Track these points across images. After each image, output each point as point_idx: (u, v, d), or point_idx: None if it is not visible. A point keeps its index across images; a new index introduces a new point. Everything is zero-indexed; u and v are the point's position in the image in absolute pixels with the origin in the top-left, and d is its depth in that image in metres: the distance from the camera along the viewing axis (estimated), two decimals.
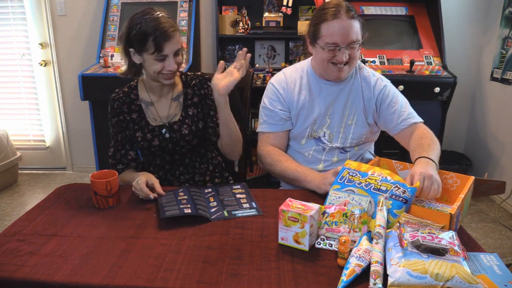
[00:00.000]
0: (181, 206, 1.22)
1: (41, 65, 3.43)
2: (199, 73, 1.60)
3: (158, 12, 1.38)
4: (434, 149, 1.36)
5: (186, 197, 1.30)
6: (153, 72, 1.41)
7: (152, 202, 1.31)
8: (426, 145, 1.38)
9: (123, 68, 1.53)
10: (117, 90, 1.55)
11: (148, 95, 1.53)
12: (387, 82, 1.58)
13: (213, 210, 1.26)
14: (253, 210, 1.26)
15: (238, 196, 1.35)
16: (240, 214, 1.24)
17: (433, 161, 1.28)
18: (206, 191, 1.38)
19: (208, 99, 1.56)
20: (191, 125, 1.52)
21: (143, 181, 1.32)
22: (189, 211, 1.20)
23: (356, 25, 1.41)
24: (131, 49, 1.41)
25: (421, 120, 1.52)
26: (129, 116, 1.52)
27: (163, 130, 1.51)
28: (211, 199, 1.33)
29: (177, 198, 1.28)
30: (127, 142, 1.54)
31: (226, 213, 1.24)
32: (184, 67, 2.78)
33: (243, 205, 1.29)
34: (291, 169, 1.48)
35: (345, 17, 1.39)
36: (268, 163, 1.55)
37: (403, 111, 1.52)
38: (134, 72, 1.50)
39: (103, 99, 2.83)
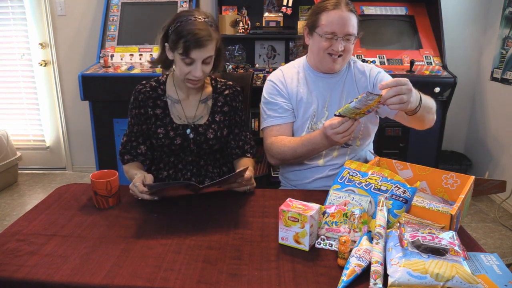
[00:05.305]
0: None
1: (41, 65, 3.43)
2: (230, 82, 1.61)
3: (200, 17, 1.39)
4: (424, 95, 1.41)
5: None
6: (180, 74, 1.43)
7: (153, 202, 1.30)
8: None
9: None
10: (143, 82, 1.54)
11: (176, 92, 1.53)
12: (380, 70, 1.62)
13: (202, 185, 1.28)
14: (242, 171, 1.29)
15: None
16: (228, 175, 1.26)
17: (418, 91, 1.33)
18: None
19: (237, 114, 1.58)
20: (216, 131, 1.53)
21: (140, 183, 1.29)
22: (174, 182, 1.23)
23: (354, 19, 1.48)
24: (166, 44, 1.43)
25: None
26: (153, 111, 1.51)
27: (188, 130, 1.51)
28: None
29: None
30: (141, 136, 1.53)
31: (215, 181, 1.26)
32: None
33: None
34: (297, 144, 1.49)
35: (344, 9, 1.47)
36: (276, 152, 1.54)
37: None
38: (164, 64, 1.50)
39: (103, 99, 2.89)
